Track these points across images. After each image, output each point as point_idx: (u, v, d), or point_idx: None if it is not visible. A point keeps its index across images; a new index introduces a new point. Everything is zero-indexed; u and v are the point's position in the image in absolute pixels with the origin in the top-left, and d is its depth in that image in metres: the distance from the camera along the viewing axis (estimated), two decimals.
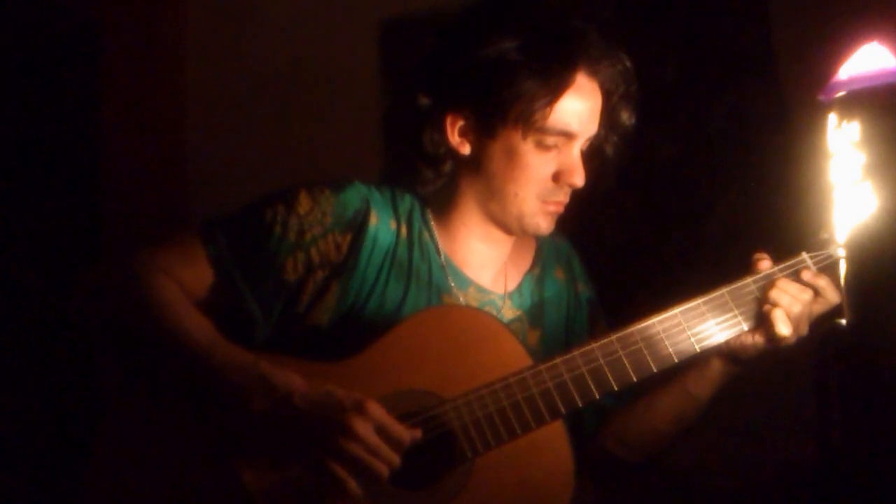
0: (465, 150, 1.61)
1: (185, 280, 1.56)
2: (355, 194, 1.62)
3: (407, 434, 1.46)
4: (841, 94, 1.25)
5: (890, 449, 1.17)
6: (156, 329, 1.50)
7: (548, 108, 1.55)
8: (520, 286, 1.73)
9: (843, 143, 1.25)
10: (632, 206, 2.53)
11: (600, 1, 2.59)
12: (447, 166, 1.64)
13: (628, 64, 1.61)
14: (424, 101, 1.61)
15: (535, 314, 1.72)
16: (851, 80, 1.26)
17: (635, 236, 2.54)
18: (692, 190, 2.50)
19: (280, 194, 1.61)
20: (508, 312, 1.69)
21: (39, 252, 2.65)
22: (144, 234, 2.77)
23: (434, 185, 1.66)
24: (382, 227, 1.63)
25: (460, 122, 1.60)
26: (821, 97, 1.29)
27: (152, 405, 1.55)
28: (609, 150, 1.67)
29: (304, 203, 1.59)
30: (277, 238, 1.57)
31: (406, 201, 1.68)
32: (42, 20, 2.74)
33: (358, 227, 1.60)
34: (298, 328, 1.60)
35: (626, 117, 1.65)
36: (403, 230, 1.65)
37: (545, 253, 1.78)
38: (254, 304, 1.57)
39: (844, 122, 1.24)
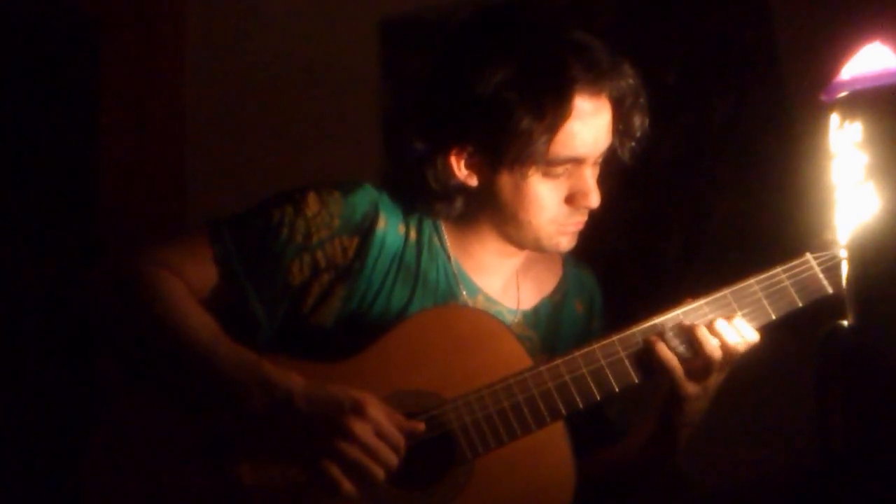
0: (473, 181, 1.58)
1: (191, 278, 1.56)
2: (364, 197, 1.61)
3: (403, 439, 1.45)
4: (843, 94, 1.24)
5: (892, 451, 1.17)
6: (159, 325, 1.51)
7: (545, 146, 1.50)
8: (536, 308, 1.71)
9: (845, 144, 1.24)
10: (632, 207, 2.52)
11: (601, 2, 2.59)
12: (459, 201, 1.61)
13: (632, 80, 1.56)
14: (425, 144, 1.57)
15: (548, 340, 1.69)
16: (854, 81, 1.25)
17: (636, 237, 2.54)
18: (693, 190, 2.49)
19: (289, 195, 1.60)
20: (518, 329, 1.66)
21: (36, 251, 2.65)
22: (143, 234, 2.77)
23: (448, 216, 1.63)
24: (391, 231, 1.62)
25: (465, 157, 1.57)
26: (823, 97, 1.28)
27: (151, 402, 1.54)
28: (625, 155, 1.63)
29: (312, 205, 1.58)
30: (284, 240, 1.57)
31: (418, 206, 1.65)
32: (42, 18, 2.74)
33: (366, 230, 1.59)
34: (302, 330, 1.59)
35: (639, 123, 1.60)
36: (413, 234, 1.64)
37: (569, 282, 1.75)
38: (258, 306, 1.57)
39: (846, 123, 1.23)
